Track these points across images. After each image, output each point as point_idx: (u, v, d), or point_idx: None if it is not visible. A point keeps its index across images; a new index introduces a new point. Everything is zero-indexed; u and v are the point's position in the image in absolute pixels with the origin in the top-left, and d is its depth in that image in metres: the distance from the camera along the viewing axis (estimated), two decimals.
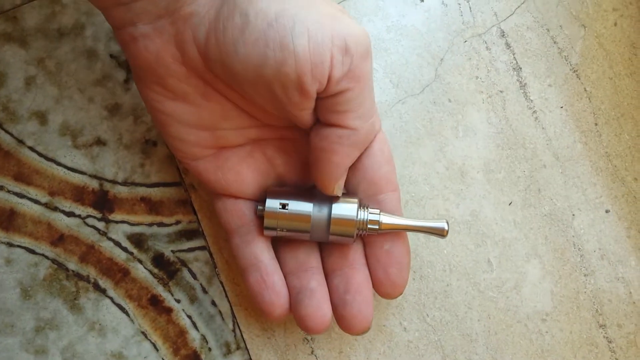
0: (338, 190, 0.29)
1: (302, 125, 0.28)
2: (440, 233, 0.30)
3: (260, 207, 0.30)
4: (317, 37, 0.25)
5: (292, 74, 0.25)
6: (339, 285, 0.30)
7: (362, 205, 0.30)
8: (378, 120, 0.30)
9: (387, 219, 0.29)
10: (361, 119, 0.27)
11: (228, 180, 0.31)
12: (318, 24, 0.25)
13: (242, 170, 0.31)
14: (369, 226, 0.29)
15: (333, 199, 0.30)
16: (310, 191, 0.30)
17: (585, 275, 0.34)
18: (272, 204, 0.29)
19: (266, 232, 0.30)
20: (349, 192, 0.31)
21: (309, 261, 0.31)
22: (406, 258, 0.30)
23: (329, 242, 0.30)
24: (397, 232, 0.30)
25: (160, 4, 0.26)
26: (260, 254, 0.30)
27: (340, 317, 0.30)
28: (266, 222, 0.30)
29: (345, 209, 0.29)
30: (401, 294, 0.30)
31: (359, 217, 0.29)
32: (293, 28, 0.24)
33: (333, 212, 0.29)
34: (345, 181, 0.30)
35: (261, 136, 0.30)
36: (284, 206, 0.29)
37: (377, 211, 0.29)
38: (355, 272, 0.30)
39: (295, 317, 0.30)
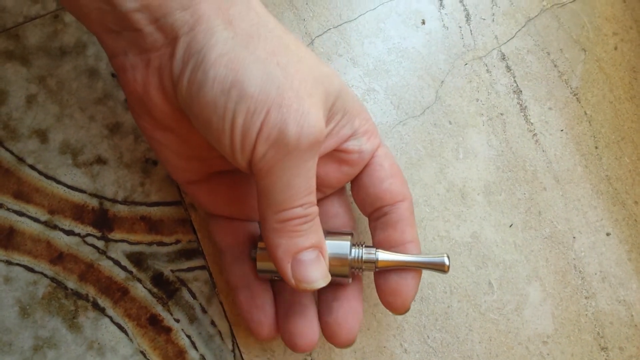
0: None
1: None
2: (441, 268, 0.28)
3: (253, 250, 0.30)
4: (250, 121, 0.24)
5: (227, 147, 0.25)
6: (329, 292, 0.30)
7: (357, 243, 0.29)
8: (377, 136, 0.30)
9: (384, 256, 0.29)
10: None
11: (221, 202, 0.31)
12: (261, 105, 0.24)
13: (234, 193, 0.31)
14: (364, 264, 0.28)
15: (326, 236, 0.29)
16: None
17: (586, 298, 0.34)
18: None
19: (260, 275, 0.30)
20: (358, 207, 0.31)
21: None
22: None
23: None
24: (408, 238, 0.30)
25: (148, 38, 0.26)
26: (251, 272, 0.30)
27: (325, 324, 0.29)
28: (259, 265, 0.29)
29: (337, 246, 0.28)
30: (408, 308, 0.29)
31: (352, 255, 0.28)
32: (238, 103, 0.24)
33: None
34: (352, 199, 0.31)
35: None
36: None
37: (374, 250, 0.29)
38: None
39: (283, 332, 0.29)
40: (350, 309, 0.29)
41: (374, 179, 0.30)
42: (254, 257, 0.30)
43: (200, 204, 0.31)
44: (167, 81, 0.26)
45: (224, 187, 0.31)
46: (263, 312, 0.29)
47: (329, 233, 0.29)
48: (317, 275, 0.26)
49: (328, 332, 0.29)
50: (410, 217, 0.30)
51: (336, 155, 0.30)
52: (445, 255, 0.29)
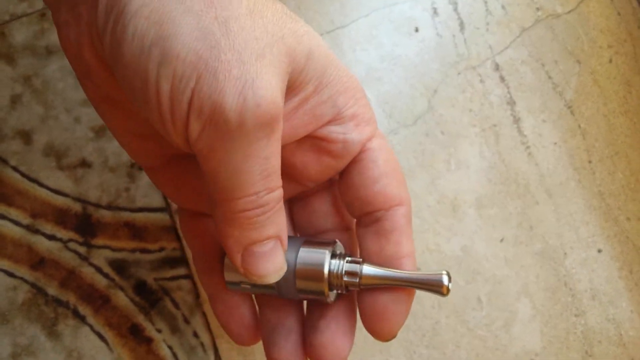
0: None
1: None
2: (438, 290, 0.23)
3: (223, 258, 0.26)
4: (178, 89, 0.19)
5: (157, 121, 0.21)
6: (316, 309, 0.26)
7: (341, 254, 0.24)
8: (371, 123, 0.25)
9: (370, 271, 0.24)
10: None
11: (186, 193, 0.26)
12: (190, 69, 0.19)
13: (201, 182, 0.24)
14: (345, 279, 0.24)
15: (303, 245, 0.25)
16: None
17: (576, 316, 0.34)
18: None
19: (229, 287, 0.26)
20: (345, 208, 0.26)
21: None
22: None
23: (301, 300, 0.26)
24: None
25: None
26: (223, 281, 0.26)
27: (309, 346, 0.25)
28: (226, 276, 0.25)
29: (312, 259, 0.24)
30: (394, 335, 0.25)
31: (331, 268, 0.24)
32: (162, 65, 0.19)
33: (298, 261, 0.24)
34: (332, 210, 0.26)
35: None
36: None
37: (358, 264, 0.24)
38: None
39: (267, 357, 0.26)
40: (339, 329, 0.25)
41: (365, 178, 0.24)
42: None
43: (165, 194, 0.26)
44: (96, 39, 0.21)
45: (189, 175, 0.26)
46: (243, 326, 0.26)
47: (307, 242, 0.25)
48: (269, 269, 0.23)
49: (312, 355, 0.25)
50: (406, 226, 0.25)
51: (315, 142, 0.24)
52: (444, 273, 0.23)
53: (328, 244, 0.25)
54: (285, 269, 0.23)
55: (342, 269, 0.24)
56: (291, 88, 0.22)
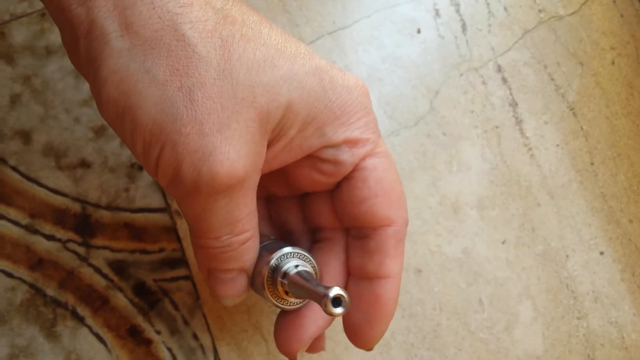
0: None
1: None
2: (323, 305, 0.21)
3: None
4: (148, 153, 0.21)
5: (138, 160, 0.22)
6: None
7: (296, 254, 0.24)
8: (369, 143, 0.25)
9: (292, 271, 0.23)
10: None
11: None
12: (155, 139, 0.20)
13: None
14: (277, 281, 0.24)
15: (279, 248, 0.24)
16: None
17: (578, 319, 0.33)
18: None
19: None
20: (339, 219, 0.26)
21: None
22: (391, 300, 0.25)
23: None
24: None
25: (63, 27, 0.22)
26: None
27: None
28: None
29: (260, 261, 0.24)
30: (371, 348, 0.25)
31: (270, 264, 0.24)
32: (133, 132, 0.21)
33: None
34: (331, 209, 0.26)
35: None
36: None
37: (292, 263, 0.24)
38: None
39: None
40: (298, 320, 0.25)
41: (353, 197, 0.24)
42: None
43: None
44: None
45: None
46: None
47: (279, 247, 0.25)
48: (228, 294, 0.24)
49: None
50: (394, 247, 0.24)
51: (308, 158, 0.25)
52: (338, 288, 0.20)
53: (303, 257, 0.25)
54: (245, 294, 0.25)
55: (284, 268, 0.24)
56: (272, 137, 0.23)
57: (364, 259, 0.25)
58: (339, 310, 0.20)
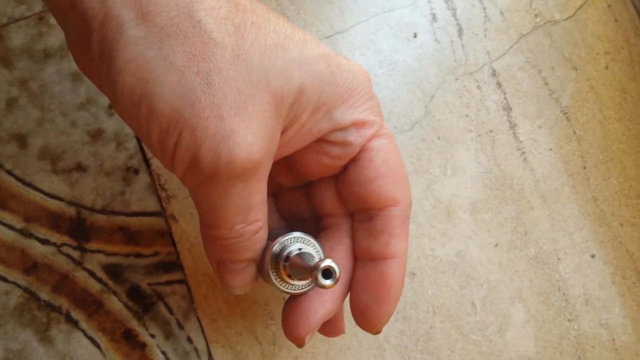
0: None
1: None
2: (314, 279, 0.21)
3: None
4: (165, 141, 0.21)
5: (152, 152, 0.23)
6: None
7: (302, 239, 0.25)
8: (374, 125, 0.25)
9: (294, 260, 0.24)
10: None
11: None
12: (173, 125, 0.21)
13: None
14: (278, 263, 0.24)
15: (284, 234, 0.25)
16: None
17: (569, 321, 0.34)
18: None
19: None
20: (343, 204, 0.27)
21: None
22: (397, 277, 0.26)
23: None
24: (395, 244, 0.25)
25: (71, 24, 0.22)
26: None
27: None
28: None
29: (267, 249, 0.25)
30: (379, 331, 0.26)
31: (273, 251, 0.24)
32: (150, 120, 0.21)
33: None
34: (336, 195, 0.27)
35: None
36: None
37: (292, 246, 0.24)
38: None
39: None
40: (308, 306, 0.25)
41: (360, 177, 0.25)
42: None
43: None
44: (94, 67, 0.23)
45: None
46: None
47: (284, 234, 0.25)
48: (237, 283, 0.25)
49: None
50: (399, 227, 0.25)
51: (315, 143, 0.25)
52: (329, 260, 0.21)
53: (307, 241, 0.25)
54: (254, 283, 0.25)
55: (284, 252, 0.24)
56: (286, 122, 0.23)
57: (370, 241, 0.25)
58: (328, 282, 0.21)
